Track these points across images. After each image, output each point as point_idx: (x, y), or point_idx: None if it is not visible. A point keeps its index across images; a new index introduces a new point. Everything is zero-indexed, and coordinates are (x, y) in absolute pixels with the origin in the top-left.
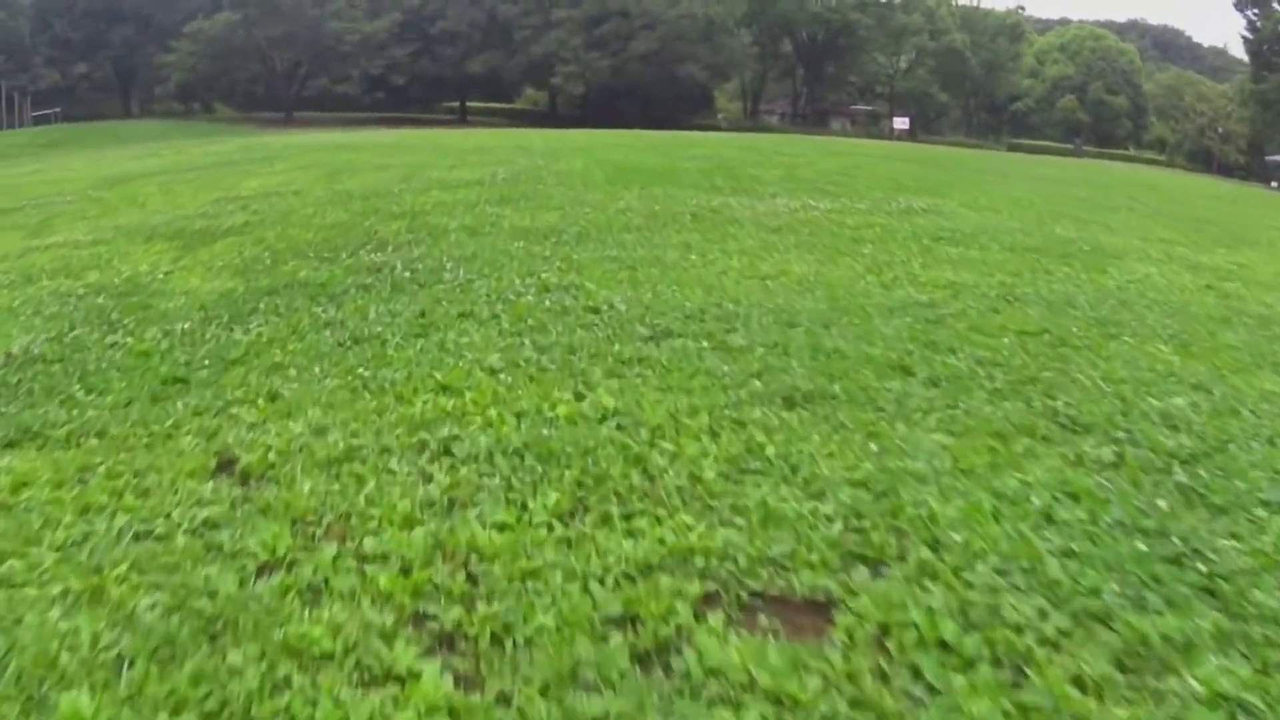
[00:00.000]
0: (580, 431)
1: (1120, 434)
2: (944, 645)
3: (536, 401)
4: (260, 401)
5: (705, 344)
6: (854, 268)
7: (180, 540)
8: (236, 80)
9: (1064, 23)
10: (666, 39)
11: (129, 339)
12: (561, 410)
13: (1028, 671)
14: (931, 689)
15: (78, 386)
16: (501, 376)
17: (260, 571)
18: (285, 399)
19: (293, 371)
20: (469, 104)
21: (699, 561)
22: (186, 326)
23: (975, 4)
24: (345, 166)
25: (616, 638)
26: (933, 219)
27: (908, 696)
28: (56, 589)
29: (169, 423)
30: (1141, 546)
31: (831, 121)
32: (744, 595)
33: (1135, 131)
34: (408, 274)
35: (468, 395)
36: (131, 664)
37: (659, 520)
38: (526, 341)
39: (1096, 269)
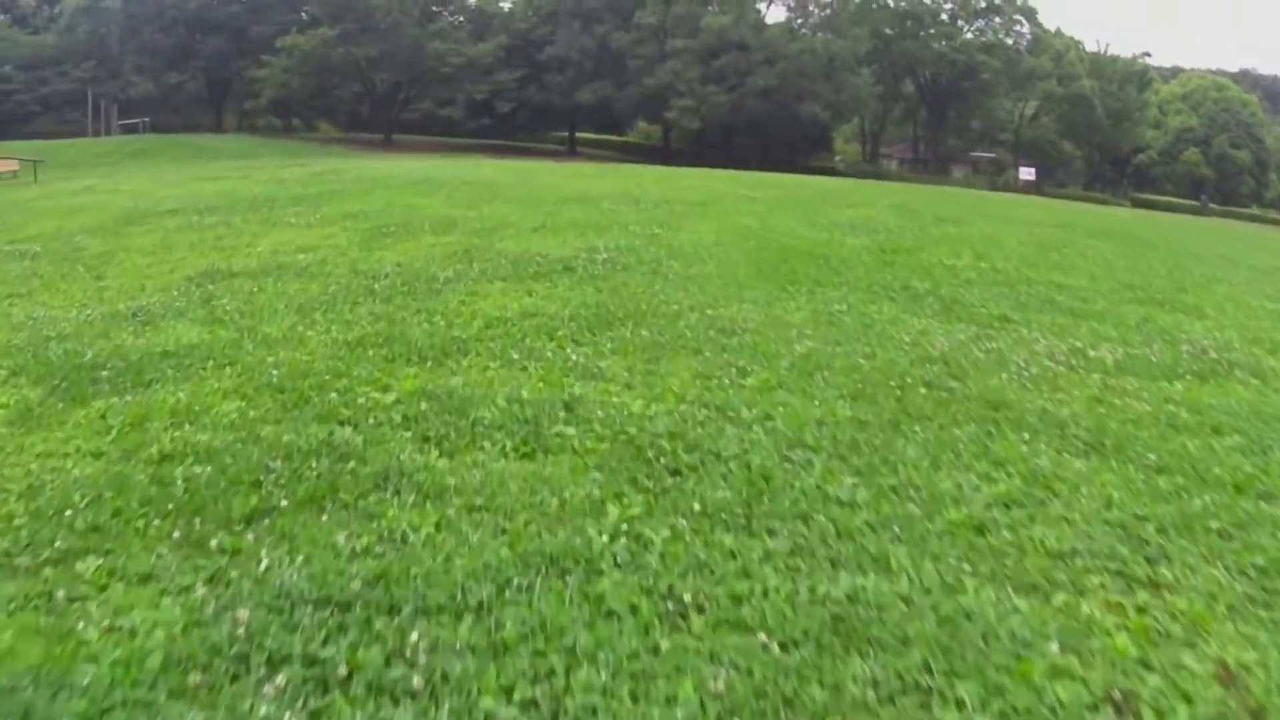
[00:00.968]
0: None
1: None
2: None
3: None
4: None
5: None
6: None
7: None
8: (340, 99)
9: (1175, 71)
10: (787, 75)
11: None
12: None
13: None
14: None
15: None
16: None
17: None
18: None
19: None
20: (578, 134)
21: None
22: None
23: (1103, 49)
24: (401, 221)
25: None
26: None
27: None
28: None
29: None
30: None
31: (953, 168)
32: None
33: (1258, 189)
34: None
35: None
36: None
37: None
38: None
39: None
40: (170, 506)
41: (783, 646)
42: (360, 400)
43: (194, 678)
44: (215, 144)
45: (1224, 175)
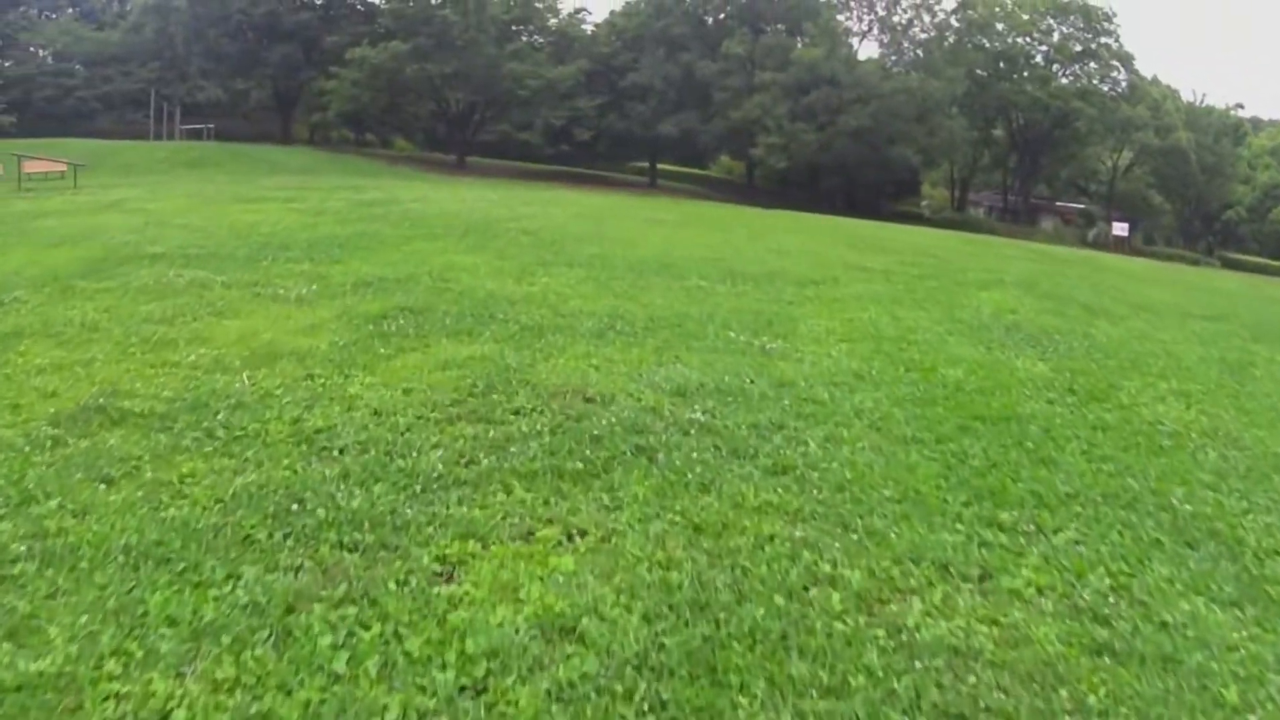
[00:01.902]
0: None
1: None
2: None
3: None
4: None
5: None
6: None
7: None
8: (415, 116)
9: (1255, 122)
10: (880, 115)
11: None
12: None
13: None
14: None
15: None
16: None
17: None
18: None
19: None
20: (659, 166)
21: None
22: None
23: (1198, 99)
24: (422, 304)
25: None
26: None
27: None
28: None
29: None
30: None
31: (1040, 218)
32: None
33: None
34: None
35: None
36: None
37: None
38: None
39: None
40: None
41: None
42: None
43: None
44: (277, 156)
45: None
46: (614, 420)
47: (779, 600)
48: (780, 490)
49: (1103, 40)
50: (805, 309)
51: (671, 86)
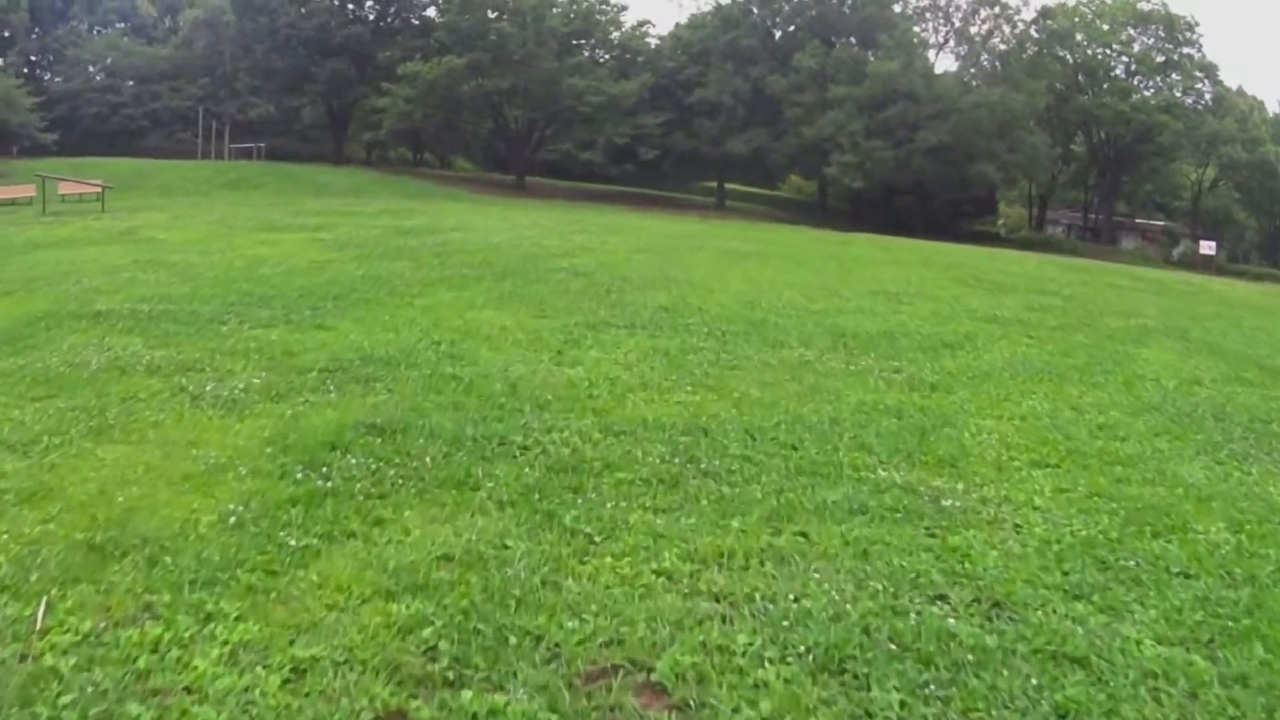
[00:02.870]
0: None
1: None
2: None
3: None
4: None
5: None
6: None
7: None
8: (474, 134)
9: None
10: (959, 131)
11: None
12: None
13: None
14: None
15: None
16: None
17: None
18: None
19: None
20: (727, 185)
21: None
22: None
23: None
24: (404, 419)
25: None
26: None
27: None
28: None
29: None
30: None
31: (1121, 237)
32: None
33: None
34: None
35: None
36: None
37: None
38: None
39: None
40: None
41: None
42: None
43: None
44: (326, 177)
45: None
46: None
47: None
48: None
49: (1185, 50)
50: (957, 397)
51: (740, 102)
